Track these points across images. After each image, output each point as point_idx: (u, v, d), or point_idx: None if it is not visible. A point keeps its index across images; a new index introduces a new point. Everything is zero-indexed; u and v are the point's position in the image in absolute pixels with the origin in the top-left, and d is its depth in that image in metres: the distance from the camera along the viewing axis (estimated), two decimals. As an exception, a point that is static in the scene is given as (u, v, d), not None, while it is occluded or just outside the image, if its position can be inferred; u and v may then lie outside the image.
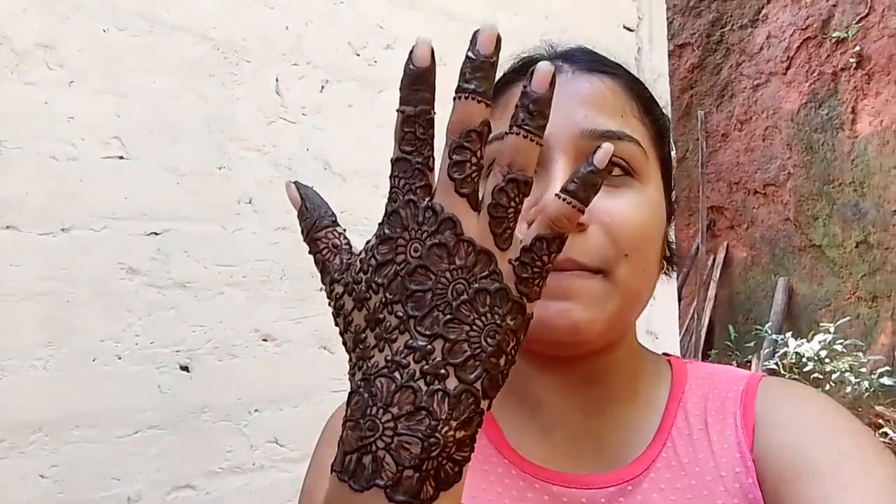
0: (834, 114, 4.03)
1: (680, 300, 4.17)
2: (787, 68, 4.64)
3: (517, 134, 0.38)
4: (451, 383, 0.37)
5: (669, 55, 2.63)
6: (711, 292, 4.79)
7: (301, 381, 1.45)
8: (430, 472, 0.37)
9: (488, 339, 0.38)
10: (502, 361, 0.38)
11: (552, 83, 0.38)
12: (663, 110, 0.64)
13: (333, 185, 1.54)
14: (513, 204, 0.38)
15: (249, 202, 1.41)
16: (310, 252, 0.45)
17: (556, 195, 0.39)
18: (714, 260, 4.99)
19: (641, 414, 0.61)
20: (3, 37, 1.13)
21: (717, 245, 4.83)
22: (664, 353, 0.67)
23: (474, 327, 0.37)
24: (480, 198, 0.39)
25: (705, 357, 4.59)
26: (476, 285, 0.38)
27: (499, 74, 0.65)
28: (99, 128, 1.21)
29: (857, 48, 4.14)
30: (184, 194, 1.31)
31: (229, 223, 1.37)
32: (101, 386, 1.18)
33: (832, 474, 0.51)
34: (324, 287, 0.43)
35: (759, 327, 3.66)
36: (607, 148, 0.39)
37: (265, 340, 1.40)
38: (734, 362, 4.43)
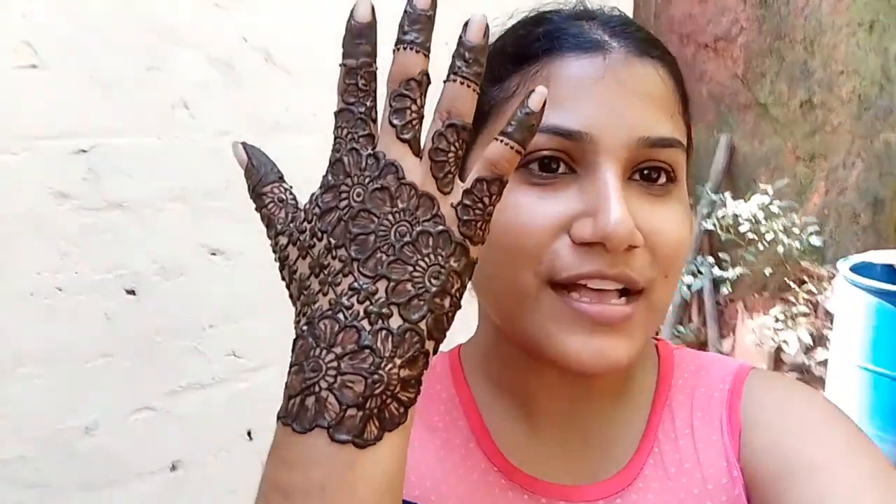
0: (790, -38, 3.87)
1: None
2: None
3: (454, 81, 0.39)
4: (395, 322, 0.38)
5: None
6: (655, 147, 4.77)
7: (256, 293, 1.40)
8: (373, 410, 0.37)
9: (432, 280, 0.38)
10: (447, 303, 0.39)
11: (486, 34, 0.39)
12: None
13: (277, 78, 1.40)
14: (452, 148, 0.39)
15: (185, 107, 1.28)
16: (256, 208, 0.45)
17: (496, 138, 0.40)
18: (659, 114, 4.92)
19: (628, 409, 0.60)
20: None
21: (663, 99, 4.75)
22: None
23: (418, 268, 0.38)
24: (422, 145, 0.40)
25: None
26: (419, 228, 0.38)
27: (513, 21, 0.57)
28: (4, 33, 1.05)
29: None
30: (111, 104, 1.17)
31: (164, 132, 1.25)
32: (44, 321, 1.12)
33: (817, 470, 0.51)
34: (269, 241, 0.43)
35: (698, 186, 3.72)
36: (541, 91, 0.40)
37: (214, 255, 1.33)
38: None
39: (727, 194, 3.50)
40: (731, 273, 3.25)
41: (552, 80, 0.51)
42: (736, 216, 3.34)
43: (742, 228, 3.29)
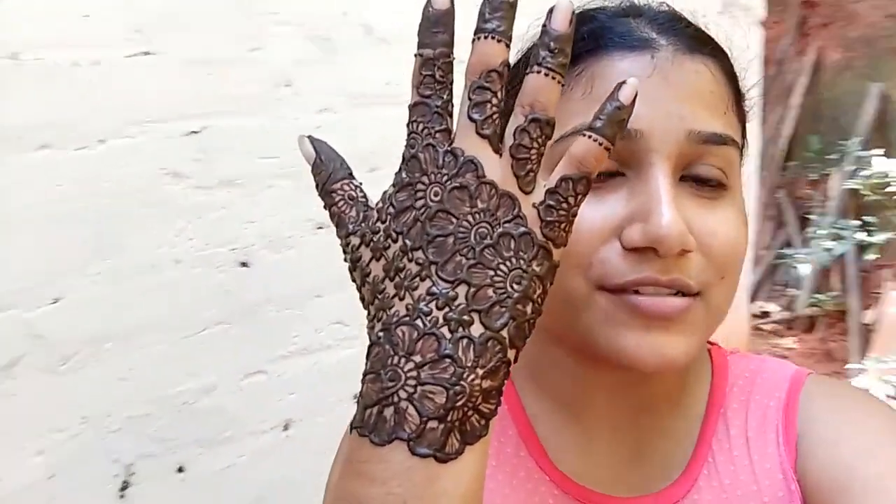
0: None
1: (764, 107, 3.90)
2: None
3: (538, 72, 0.38)
4: (477, 330, 0.36)
5: None
6: (797, 99, 4.43)
7: (358, 264, 1.44)
8: (455, 423, 0.36)
9: (514, 285, 0.37)
10: (529, 309, 0.37)
11: (571, 21, 0.38)
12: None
13: (378, 52, 1.41)
14: (535, 145, 0.38)
15: (289, 85, 1.32)
16: (325, 206, 0.44)
17: (582, 133, 0.38)
18: (802, 63, 4.54)
19: (682, 420, 0.57)
20: (-2, -71, 1.02)
21: (806, 46, 4.36)
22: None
23: (499, 272, 0.36)
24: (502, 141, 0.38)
25: (784, 169, 4.36)
26: (500, 229, 0.37)
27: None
28: (117, 23, 1.12)
29: None
30: (218, 85, 1.23)
31: (270, 111, 1.30)
32: (163, 292, 1.20)
33: (881, 489, 0.48)
34: (339, 241, 0.42)
35: (842, 143, 3.37)
36: (633, 83, 0.38)
37: (320, 228, 1.38)
38: (814, 175, 4.20)
39: (875, 151, 3.18)
40: (878, 237, 2.98)
41: (596, 79, 0.49)
42: (885, 175, 3.04)
43: (888, 189, 2.98)
